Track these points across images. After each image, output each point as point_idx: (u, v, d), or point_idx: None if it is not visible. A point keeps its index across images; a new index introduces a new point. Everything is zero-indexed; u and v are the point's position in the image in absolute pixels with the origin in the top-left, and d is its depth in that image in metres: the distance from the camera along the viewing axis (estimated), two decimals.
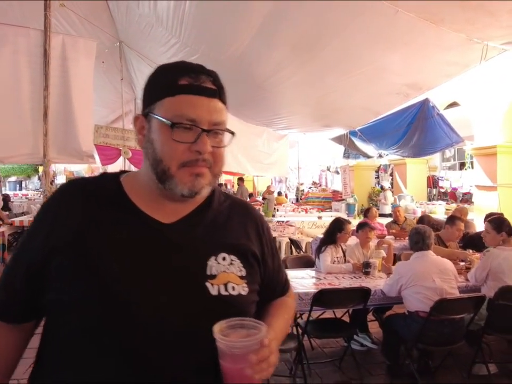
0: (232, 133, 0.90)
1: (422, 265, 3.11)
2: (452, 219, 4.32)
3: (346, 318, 3.92)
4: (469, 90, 8.43)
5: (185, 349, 0.82)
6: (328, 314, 4.17)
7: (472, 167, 8.67)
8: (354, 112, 7.76)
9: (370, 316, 4.22)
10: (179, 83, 0.85)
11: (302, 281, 3.65)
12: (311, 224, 7.64)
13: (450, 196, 11.07)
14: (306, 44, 5.13)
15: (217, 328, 0.78)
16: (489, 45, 4.63)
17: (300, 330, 3.25)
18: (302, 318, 3.43)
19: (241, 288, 0.89)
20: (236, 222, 0.99)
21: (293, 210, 9.69)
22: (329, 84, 6.25)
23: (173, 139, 0.84)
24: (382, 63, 5.39)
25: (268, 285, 1.02)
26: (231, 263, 0.91)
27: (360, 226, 4.25)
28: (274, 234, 7.24)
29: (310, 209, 9.79)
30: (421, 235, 3.18)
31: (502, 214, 4.20)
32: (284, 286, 1.12)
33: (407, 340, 3.11)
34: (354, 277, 3.77)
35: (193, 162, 0.85)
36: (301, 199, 12.16)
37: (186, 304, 0.84)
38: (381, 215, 8.84)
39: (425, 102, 7.63)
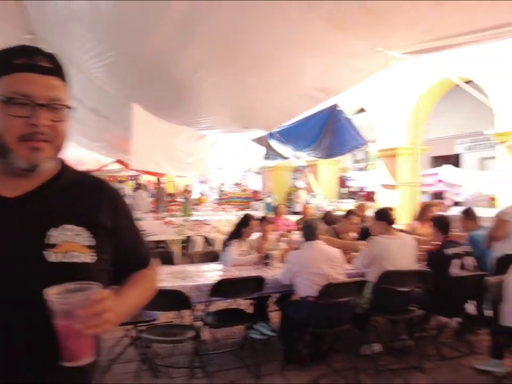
0: (69, 107, 0.97)
1: (311, 254, 3.36)
2: (347, 214, 4.69)
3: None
4: (374, 98, 9.12)
5: (27, 317, 0.88)
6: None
7: (376, 168, 9.37)
8: (271, 114, 7.99)
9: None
10: (14, 62, 0.91)
11: (206, 274, 3.75)
12: (228, 222, 7.77)
13: (366, 196, 11.81)
14: (224, 45, 5.22)
15: (52, 292, 0.83)
16: (390, 54, 5.03)
17: (201, 322, 3.34)
18: (208, 309, 3.52)
19: (87, 257, 0.96)
20: (88, 196, 1.05)
21: (213, 210, 9.79)
22: (247, 85, 6.39)
23: (9, 114, 0.89)
24: (295, 67, 5.63)
25: (125, 256, 1.11)
26: (78, 234, 0.97)
27: (260, 221, 4.46)
28: (190, 233, 7.29)
29: (229, 208, 9.95)
30: (310, 227, 3.44)
31: (390, 208, 4.63)
32: (144, 259, 1.20)
33: (299, 324, 3.33)
34: (256, 268, 3.94)
35: (31, 135, 0.91)
36: (222, 199, 12.34)
37: (27, 273, 0.90)
38: (295, 213, 9.25)
39: (334, 107, 8.08)
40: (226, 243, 4.32)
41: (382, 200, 8.44)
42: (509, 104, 6.53)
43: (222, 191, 13.31)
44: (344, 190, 12.52)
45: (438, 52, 5.06)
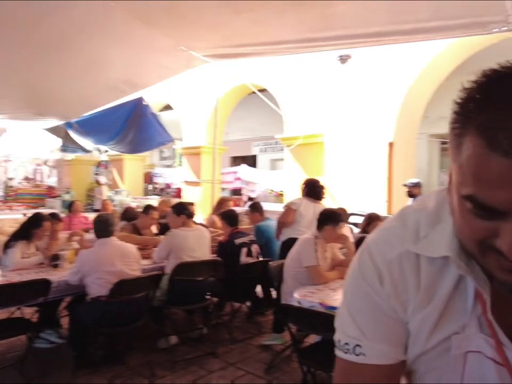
0: None
1: (105, 251, 3.20)
2: (146, 209, 4.66)
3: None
4: (180, 96, 9.30)
5: None
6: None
7: (181, 165, 9.61)
8: (69, 103, 7.33)
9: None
10: None
11: None
12: (14, 222, 6.80)
13: (176, 193, 11.88)
14: (15, 24, 4.54)
15: None
16: (193, 54, 5.14)
17: None
18: None
19: None
20: None
21: None
22: (42, 69, 5.69)
23: None
24: (98, 56, 5.25)
25: None
26: None
27: (49, 219, 4.06)
28: None
29: (18, 206, 8.74)
30: (103, 223, 3.27)
31: (188, 203, 4.80)
32: None
33: (91, 326, 3.14)
34: (41, 271, 3.55)
35: None
36: (9, 196, 10.75)
37: None
38: (96, 210, 8.75)
39: (140, 100, 7.90)
40: (8, 245, 3.77)
41: (187, 196, 8.67)
42: (294, 113, 7.50)
43: (9, 186, 11.57)
44: (151, 187, 12.43)
45: (237, 58, 5.46)
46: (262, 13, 3.75)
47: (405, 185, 5.92)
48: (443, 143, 9.44)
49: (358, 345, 0.69)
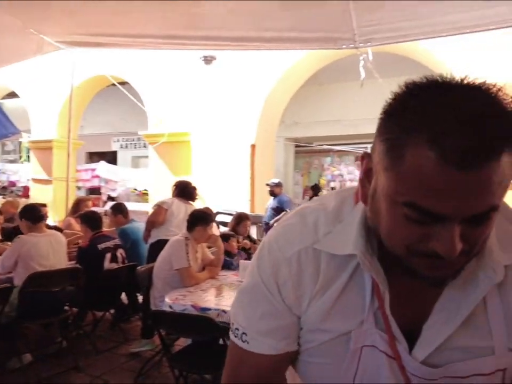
0: None
1: None
2: None
3: None
4: (28, 83, 8.31)
5: None
6: None
7: (28, 161, 8.64)
8: None
9: None
10: None
11: None
12: None
13: (24, 192, 10.57)
14: None
15: None
16: (45, 39, 4.59)
17: None
18: None
19: None
20: None
21: None
22: None
23: None
24: None
25: None
26: None
27: None
28: None
29: None
30: None
31: (39, 204, 4.34)
32: None
33: None
34: None
35: None
36: None
37: None
38: None
39: None
40: None
41: (36, 196, 7.82)
42: (159, 109, 7.29)
43: None
44: None
45: (94, 47, 5.09)
46: (125, 4, 3.56)
47: (268, 185, 6.28)
48: (297, 146, 10.24)
49: (244, 333, 0.72)
